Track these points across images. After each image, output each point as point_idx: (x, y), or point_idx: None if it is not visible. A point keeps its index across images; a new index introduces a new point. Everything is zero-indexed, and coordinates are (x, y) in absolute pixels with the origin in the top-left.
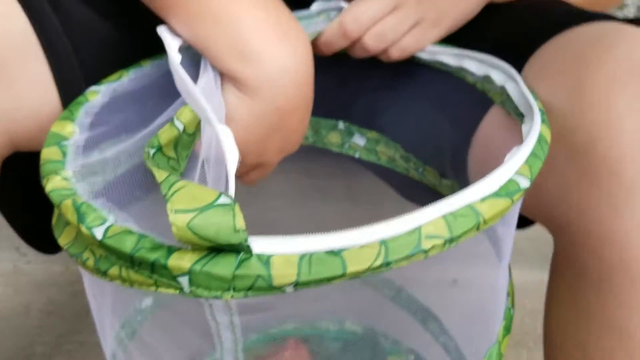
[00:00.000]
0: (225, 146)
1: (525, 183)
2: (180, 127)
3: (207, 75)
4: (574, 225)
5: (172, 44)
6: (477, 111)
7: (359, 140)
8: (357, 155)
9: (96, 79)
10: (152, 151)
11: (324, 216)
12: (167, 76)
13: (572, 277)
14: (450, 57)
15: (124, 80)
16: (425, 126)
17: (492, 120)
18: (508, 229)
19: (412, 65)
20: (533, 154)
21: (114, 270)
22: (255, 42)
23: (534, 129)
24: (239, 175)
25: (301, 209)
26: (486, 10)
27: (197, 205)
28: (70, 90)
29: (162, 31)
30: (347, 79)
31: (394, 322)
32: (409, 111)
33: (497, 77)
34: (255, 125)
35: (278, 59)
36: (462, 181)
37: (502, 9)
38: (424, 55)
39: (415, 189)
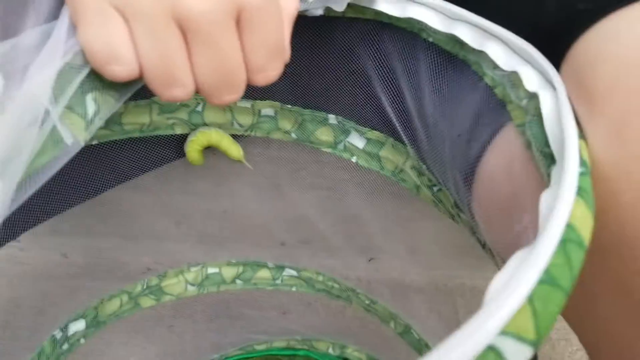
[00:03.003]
0: None
1: (520, 354)
2: None
3: None
4: None
5: None
6: (486, 129)
7: (356, 140)
8: (354, 160)
9: None
10: None
11: (304, 209)
12: None
13: None
14: (470, 31)
15: None
16: (434, 129)
17: (502, 149)
18: None
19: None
20: (551, 282)
21: None
22: None
23: (557, 215)
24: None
25: (276, 200)
26: None
27: None
28: None
29: None
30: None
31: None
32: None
33: (529, 78)
34: None
35: None
36: (474, 224)
37: None
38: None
39: None
